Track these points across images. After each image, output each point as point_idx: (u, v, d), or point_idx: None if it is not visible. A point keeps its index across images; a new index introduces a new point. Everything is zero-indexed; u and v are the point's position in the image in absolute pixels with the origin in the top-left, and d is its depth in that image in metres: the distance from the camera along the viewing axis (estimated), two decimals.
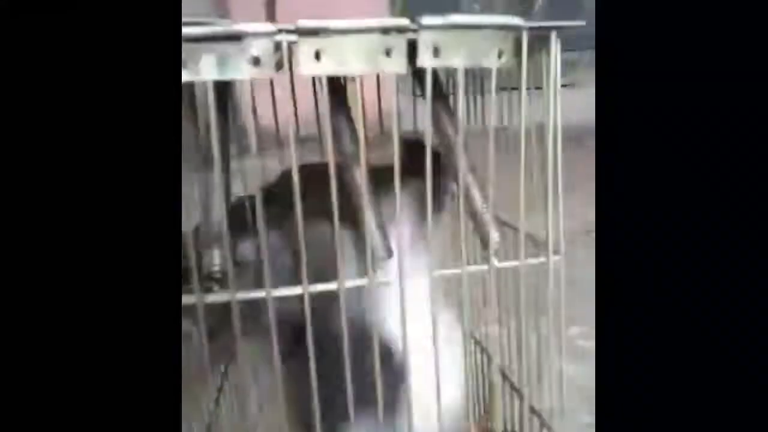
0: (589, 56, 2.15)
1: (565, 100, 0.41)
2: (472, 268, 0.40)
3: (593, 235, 0.36)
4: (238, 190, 0.50)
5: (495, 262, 0.41)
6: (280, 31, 0.32)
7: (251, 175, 0.51)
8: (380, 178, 0.41)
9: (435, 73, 0.45)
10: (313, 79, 0.47)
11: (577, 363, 0.83)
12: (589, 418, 0.71)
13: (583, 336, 0.86)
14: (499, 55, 0.35)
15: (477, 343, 0.61)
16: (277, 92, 0.55)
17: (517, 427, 0.50)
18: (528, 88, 0.39)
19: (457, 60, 0.35)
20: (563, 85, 0.40)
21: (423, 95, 0.37)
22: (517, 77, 0.38)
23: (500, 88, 0.43)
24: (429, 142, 0.37)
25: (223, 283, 0.39)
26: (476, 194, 0.44)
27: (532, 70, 0.39)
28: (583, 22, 0.37)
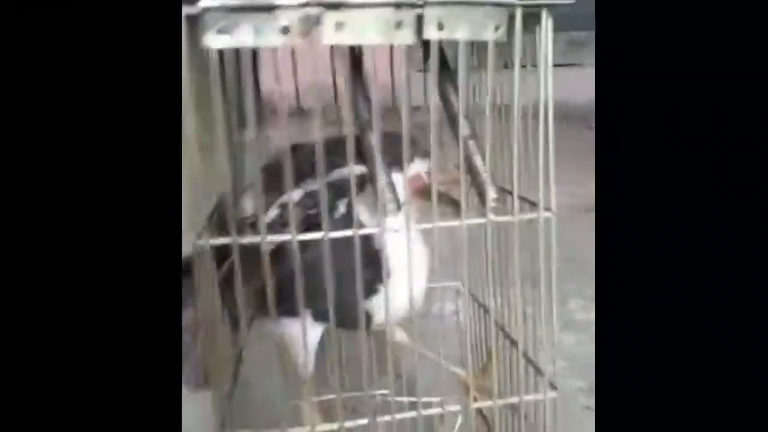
0: None
1: (572, 80, 0.46)
2: (471, 220, 0.45)
3: (594, 213, 0.38)
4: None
5: (492, 216, 0.47)
6: (307, 3, 0.38)
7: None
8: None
9: (441, 48, 0.51)
10: (332, 52, 0.52)
11: (576, 333, 0.88)
12: (582, 383, 0.76)
13: (581, 309, 0.92)
14: (496, 29, 0.41)
15: (480, 304, 0.66)
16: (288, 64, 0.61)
17: (513, 377, 0.55)
18: (524, 66, 0.44)
19: (458, 33, 0.40)
20: (569, 65, 0.45)
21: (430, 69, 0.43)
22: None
23: (503, 67, 0.49)
24: (433, 109, 0.42)
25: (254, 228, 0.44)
26: (477, 159, 0.50)
27: (530, 48, 0.44)
28: (573, 0, 0.42)
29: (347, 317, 0.45)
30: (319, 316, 0.51)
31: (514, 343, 0.55)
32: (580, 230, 0.47)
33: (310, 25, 0.38)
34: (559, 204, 0.47)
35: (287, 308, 0.45)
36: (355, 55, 0.48)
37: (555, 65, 0.44)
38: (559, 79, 0.43)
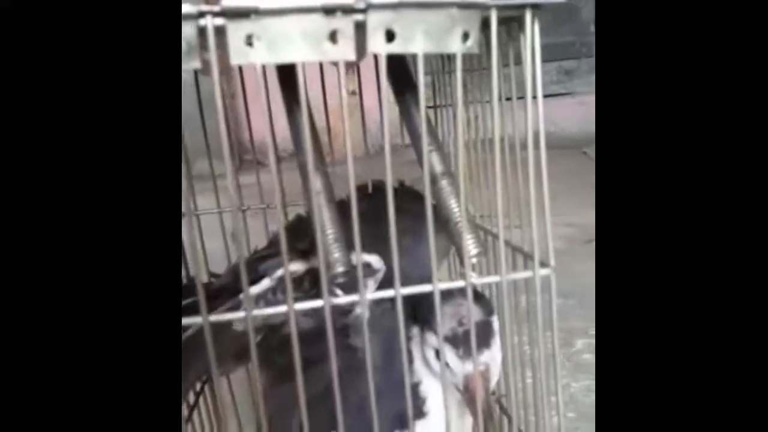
0: (587, 65, 2.09)
1: (564, 110, 0.37)
2: (444, 285, 0.35)
3: (593, 244, 0.32)
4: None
5: (473, 278, 0.36)
6: (203, 14, 0.28)
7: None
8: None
9: (403, 64, 0.41)
10: None
11: (585, 377, 0.78)
12: None
13: (589, 349, 0.80)
14: (464, 38, 0.31)
15: None
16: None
17: None
18: (508, 99, 0.34)
19: (414, 44, 0.30)
20: (561, 94, 0.35)
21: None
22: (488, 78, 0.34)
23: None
24: (388, 151, 0.32)
25: None
26: (452, 202, 0.39)
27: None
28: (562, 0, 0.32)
29: None
30: None
31: (507, 415, 0.44)
32: (580, 263, 0.38)
33: (211, 42, 0.28)
34: (557, 234, 0.37)
35: None
36: (292, 76, 0.37)
37: (545, 96, 0.34)
38: (550, 110, 0.33)
